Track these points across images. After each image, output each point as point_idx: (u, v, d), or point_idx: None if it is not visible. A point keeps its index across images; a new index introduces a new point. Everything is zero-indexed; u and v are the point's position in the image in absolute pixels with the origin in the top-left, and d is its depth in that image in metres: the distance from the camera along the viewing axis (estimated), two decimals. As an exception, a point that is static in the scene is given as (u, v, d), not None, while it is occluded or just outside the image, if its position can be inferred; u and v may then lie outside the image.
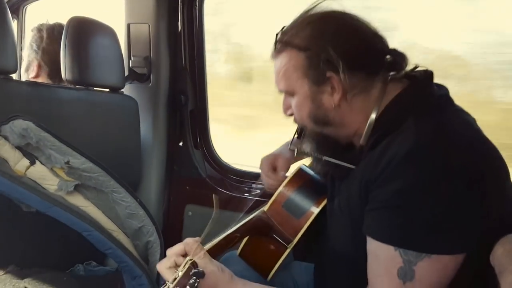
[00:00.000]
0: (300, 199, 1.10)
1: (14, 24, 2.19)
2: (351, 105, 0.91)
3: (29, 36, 1.66)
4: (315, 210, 1.07)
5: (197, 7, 1.80)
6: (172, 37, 1.79)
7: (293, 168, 1.22)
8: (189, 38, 1.82)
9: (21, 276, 1.21)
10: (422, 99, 0.89)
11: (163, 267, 0.85)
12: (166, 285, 0.81)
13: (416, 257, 0.77)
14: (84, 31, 1.47)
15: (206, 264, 0.84)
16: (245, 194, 1.74)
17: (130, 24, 1.75)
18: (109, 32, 1.56)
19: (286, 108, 1.00)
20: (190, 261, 0.81)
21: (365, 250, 0.85)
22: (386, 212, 0.80)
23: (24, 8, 2.23)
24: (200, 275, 0.78)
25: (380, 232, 0.81)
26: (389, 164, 0.80)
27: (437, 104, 0.88)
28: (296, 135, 1.07)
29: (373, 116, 0.90)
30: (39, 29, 1.62)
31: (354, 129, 0.93)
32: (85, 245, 1.17)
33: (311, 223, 1.07)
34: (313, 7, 0.94)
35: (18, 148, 1.17)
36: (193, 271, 0.78)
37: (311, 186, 1.13)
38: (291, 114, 1.00)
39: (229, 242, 1.04)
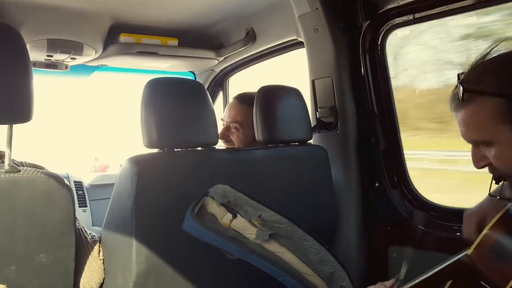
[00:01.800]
0: (510, 242, 0.97)
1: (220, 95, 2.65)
2: None
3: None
4: None
5: (379, 51, 1.84)
6: (356, 83, 1.85)
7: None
8: (374, 81, 1.85)
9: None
10: None
11: None
12: None
13: None
14: (271, 97, 1.67)
15: None
16: (457, 234, 1.60)
17: (315, 80, 1.90)
18: (294, 93, 1.73)
19: (480, 159, 0.95)
20: None
21: None
22: None
23: (227, 81, 2.66)
24: None
25: None
26: None
27: None
28: (494, 181, 0.99)
29: None
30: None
31: None
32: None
33: None
34: (490, 51, 0.92)
35: (223, 205, 1.39)
36: None
37: None
38: (485, 166, 0.95)
39: (428, 286, 1.01)
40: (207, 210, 1.36)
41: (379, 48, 1.83)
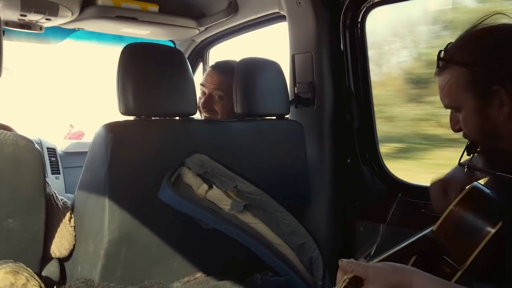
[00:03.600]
0: (473, 219, 1.02)
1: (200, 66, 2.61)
2: None
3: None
4: (491, 230, 0.98)
5: (359, 29, 1.85)
6: (335, 60, 1.86)
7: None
8: (352, 59, 1.87)
9: (207, 282, 1.43)
10: None
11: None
12: None
13: None
14: (251, 69, 1.66)
15: (366, 270, 0.87)
16: (422, 211, 1.66)
17: (295, 55, 1.90)
18: (274, 67, 1.73)
19: (454, 123, 1.01)
20: (346, 281, 0.86)
21: None
22: None
23: (207, 52, 2.63)
24: None
25: None
26: None
27: None
28: (465, 152, 1.04)
29: None
30: None
31: None
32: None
33: (487, 244, 0.98)
34: (478, 23, 0.96)
35: (199, 175, 1.39)
36: None
37: (485, 205, 1.04)
38: (459, 130, 1.00)
39: (394, 261, 1.04)
40: (183, 181, 1.37)
41: (359, 26, 1.84)
